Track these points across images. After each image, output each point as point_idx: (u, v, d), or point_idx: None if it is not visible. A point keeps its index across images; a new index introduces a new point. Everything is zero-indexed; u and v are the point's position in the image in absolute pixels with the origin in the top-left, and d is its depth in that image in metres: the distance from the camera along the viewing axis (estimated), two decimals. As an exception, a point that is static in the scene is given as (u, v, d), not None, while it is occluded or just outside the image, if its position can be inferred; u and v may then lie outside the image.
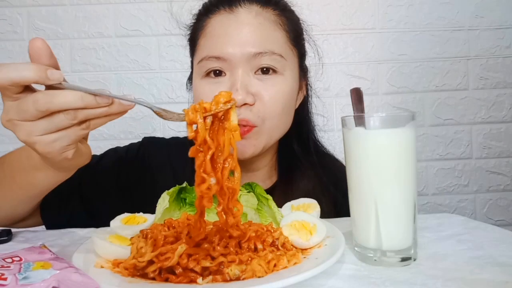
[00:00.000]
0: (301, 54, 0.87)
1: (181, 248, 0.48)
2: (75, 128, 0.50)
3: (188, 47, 0.89)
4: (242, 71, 0.75)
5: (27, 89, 0.49)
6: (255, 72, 0.76)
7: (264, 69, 0.76)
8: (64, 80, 0.49)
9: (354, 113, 0.57)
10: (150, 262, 0.48)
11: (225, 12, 0.78)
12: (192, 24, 0.87)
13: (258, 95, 0.75)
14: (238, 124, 0.53)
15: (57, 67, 0.50)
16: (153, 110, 0.53)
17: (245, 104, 0.74)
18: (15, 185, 0.67)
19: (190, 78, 0.91)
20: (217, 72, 0.77)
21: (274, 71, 0.77)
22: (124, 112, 0.51)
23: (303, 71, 0.89)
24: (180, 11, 0.94)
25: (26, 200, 0.71)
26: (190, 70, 0.90)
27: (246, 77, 0.75)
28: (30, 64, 0.47)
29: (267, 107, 0.76)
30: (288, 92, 0.79)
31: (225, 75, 0.77)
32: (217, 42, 0.76)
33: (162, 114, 0.53)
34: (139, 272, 0.48)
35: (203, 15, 0.82)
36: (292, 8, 0.87)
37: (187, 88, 0.94)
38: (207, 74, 0.78)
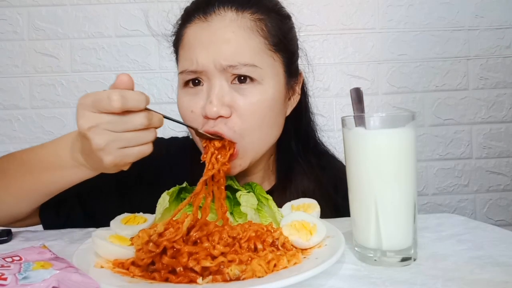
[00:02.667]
0: (288, 58, 0.81)
1: (188, 220, 0.52)
2: (148, 145, 0.59)
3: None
4: (218, 82, 0.71)
5: None
6: (231, 82, 0.72)
7: (242, 77, 0.72)
8: None
9: (354, 113, 0.57)
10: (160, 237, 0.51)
11: (199, 21, 0.75)
12: (174, 32, 0.84)
13: (234, 106, 0.71)
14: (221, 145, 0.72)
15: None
16: (198, 131, 0.71)
17: (220, 116, 0.70)
18: (33, 182, 0.70)
19: None
20: (196, 81, 0.74)
21: (251, 79, 0.72)
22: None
23: (292, 75, 0.83)
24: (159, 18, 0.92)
25: (39, 197, 0.73)
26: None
27: (222, 88, 0.71)
28: (141, 94, 0.55)
29: (244, 119, 0.72)
30: (269, 102, 0.74)
31: (203, 84, 0.74)
32: (192, 54, 0.73)
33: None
34: (144, 260, 0.48)
35: (182, 24, 0.80)
36: (278, 6, 0.81)
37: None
38: (186, 84, 0.75)
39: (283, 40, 0.79)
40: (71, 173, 0.67)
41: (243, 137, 0.73)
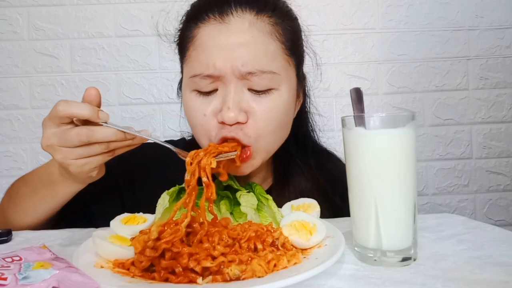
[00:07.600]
0: (299, 61, 0.81)
1: (187, 220, 0.52)
2: (103, 155, 0.65)
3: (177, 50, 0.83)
4: (234, 87, 0.69)
5: (71, 122, 0.63)
6: (248, 88, 0.71)
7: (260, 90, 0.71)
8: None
9: (354, 113, 0.57)
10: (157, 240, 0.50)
11: (215, 21, 0.71)
12: (180, 28, 0.80)
13: (251, 112, 0.70)
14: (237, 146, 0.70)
15: (100, 107, 0.65)
16: (175, 152, 0.68)
17: (237, 123, 0.69)
18: (37, 199, 0.75)
19: (181, 82, 0.84)
20: (210, 89, 0.72)
21: (269, 88, 0.72)
22: (141, 143, 0.67)
23: (300, 80, 0.82)
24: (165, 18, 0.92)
25: (46, 211, 0.77)
26: (181, 76, 0.82)
27: (238, 93, 0.70)
28: (87, 105, 0.62)
29: (260, 125, 0.71)
30: (284, 107, 0.74)
31: (216, 90, 0.71)
32: (208, 57, 0.70)
33: (182, 154, 0.67)
34: (143, 260, 0.48)
35: (192, 22, 0.75)
36: (289, 9, 0.80)
37: (178, 95, 0.87)
38: (199, 90, 0.73)
39: (295, 44, 0.78)
40: (62, 187, 0.73)
41: (257, 140, 0.73)
